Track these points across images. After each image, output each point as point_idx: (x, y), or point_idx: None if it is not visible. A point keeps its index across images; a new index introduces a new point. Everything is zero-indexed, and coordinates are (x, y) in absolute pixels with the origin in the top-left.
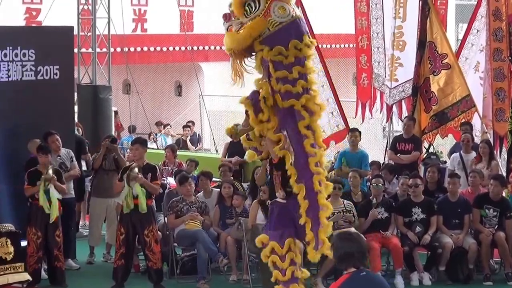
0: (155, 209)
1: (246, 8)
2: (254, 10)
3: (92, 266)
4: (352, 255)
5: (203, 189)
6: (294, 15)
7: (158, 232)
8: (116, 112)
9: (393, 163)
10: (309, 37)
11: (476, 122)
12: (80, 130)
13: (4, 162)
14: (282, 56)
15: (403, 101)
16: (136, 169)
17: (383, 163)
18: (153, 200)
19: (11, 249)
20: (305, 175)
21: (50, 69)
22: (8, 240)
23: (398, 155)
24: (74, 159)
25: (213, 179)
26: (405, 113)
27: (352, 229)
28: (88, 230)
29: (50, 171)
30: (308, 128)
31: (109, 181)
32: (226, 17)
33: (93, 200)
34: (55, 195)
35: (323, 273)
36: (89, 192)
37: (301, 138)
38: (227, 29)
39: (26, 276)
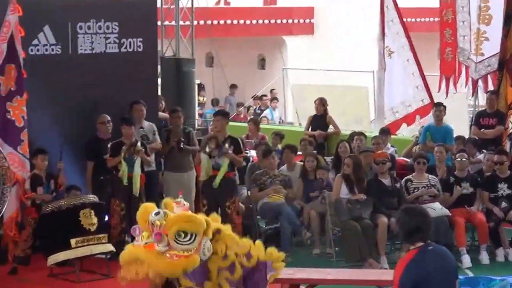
0: (238, 182)
1: (181, 233)
2: (188, 240)
3: None
4: (419, 229)
5: (287, 162)
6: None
7: (241, 204)
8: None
9: (477, 138)
10: None
11: None
12: (163, 103)
13: (87, 134)
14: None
15: (489, 75)
16: (227, 145)
17: (468, 138)
18: (236, 172)
19: (95, 220)
20: None
21: (133, 41)
22: (92, 211)
23: (482, 130)
24: (156, 133)
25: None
26: (490, 88)
27: (437, 204)
28: None
29: (139, 144)
30: None
31: (181, 156)
32: (160, 237)
33: (166, 174)
34: (137, 170)
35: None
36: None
37: None
38: (146, 243)
39: (110, 247)
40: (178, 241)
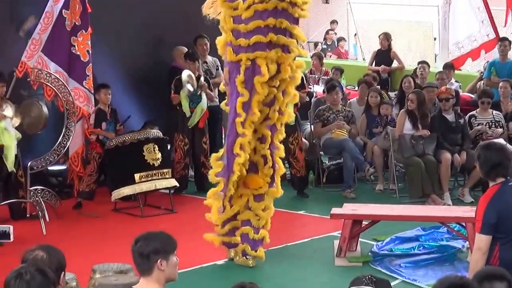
0: (300, 117)
1: None
2: None
3: None
4: (500, 165)
5: (360, 96)
6: None
7: (304, 140)
8: None
9: None
10: None
11: None
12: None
13: (151, 69)
14: (237, 10)
15: None
16: None
17: None
18: (298, 108)
19: (159, 155)
20: (231, 134)
21: None
22: (156, 146)
23: None
24: (220, 67)
25: None
26: None
27: (501, 140)
28: None
29: (202, 79)
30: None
31: None
32: None
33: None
34: (204, 104)
35: (471, 184)
36: None
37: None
38: None
39: (173, 182)
40: None
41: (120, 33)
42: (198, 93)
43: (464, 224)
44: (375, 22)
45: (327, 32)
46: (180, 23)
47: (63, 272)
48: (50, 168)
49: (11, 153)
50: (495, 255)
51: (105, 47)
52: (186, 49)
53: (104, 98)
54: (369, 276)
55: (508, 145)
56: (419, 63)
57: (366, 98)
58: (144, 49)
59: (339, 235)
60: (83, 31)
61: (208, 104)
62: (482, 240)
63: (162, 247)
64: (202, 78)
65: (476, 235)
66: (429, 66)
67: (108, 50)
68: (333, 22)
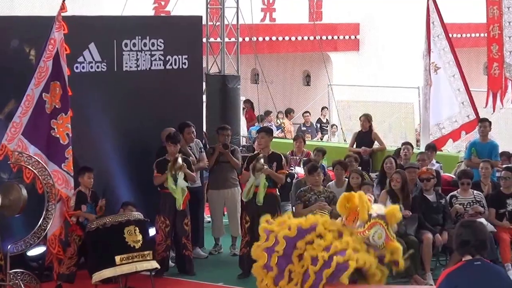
0: (280, 198)
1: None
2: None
3: (219, 254)
4: (468, 243)
5: (337, 178)
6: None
7: None
8: (248, 102)
9: None
10: None
11: None
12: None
13: (132, 151)
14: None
15: None
16: (262, 160)
17: None
18: (277, 189)
19: (140, 237)
20: None
21: (178, 58)
22: (137, 228)
23: None
24: (203, 149)
25: None
26: None
27: (482, 220)
28: None
29: (180, 160)
30: None
31: (224, 173)
32: None
33: (210, 192)
34: (181, 184)
35: (453, 263)
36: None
37: None
38: None
39: (154, 264)
40: None
41: (101, 115)
42: (177, 174)
43: None
44: (356, 104)
45: (302, 115)
46: (161, 105)
47: None
48: (29, 252)
49: None
50: None
51: (86, 129)
52: (173, 129)
53: (87, 181)
54: None
55: (489, 226)
56: (403, 144)
57: (344, 178)
58: (125, 131)
59: None
60: (63, 114)
61: (190, 185)
62: None
63: None
64: (179, 159)
65: None
66: (412, 147)
67: (89, 133)
68: (324, 108)
